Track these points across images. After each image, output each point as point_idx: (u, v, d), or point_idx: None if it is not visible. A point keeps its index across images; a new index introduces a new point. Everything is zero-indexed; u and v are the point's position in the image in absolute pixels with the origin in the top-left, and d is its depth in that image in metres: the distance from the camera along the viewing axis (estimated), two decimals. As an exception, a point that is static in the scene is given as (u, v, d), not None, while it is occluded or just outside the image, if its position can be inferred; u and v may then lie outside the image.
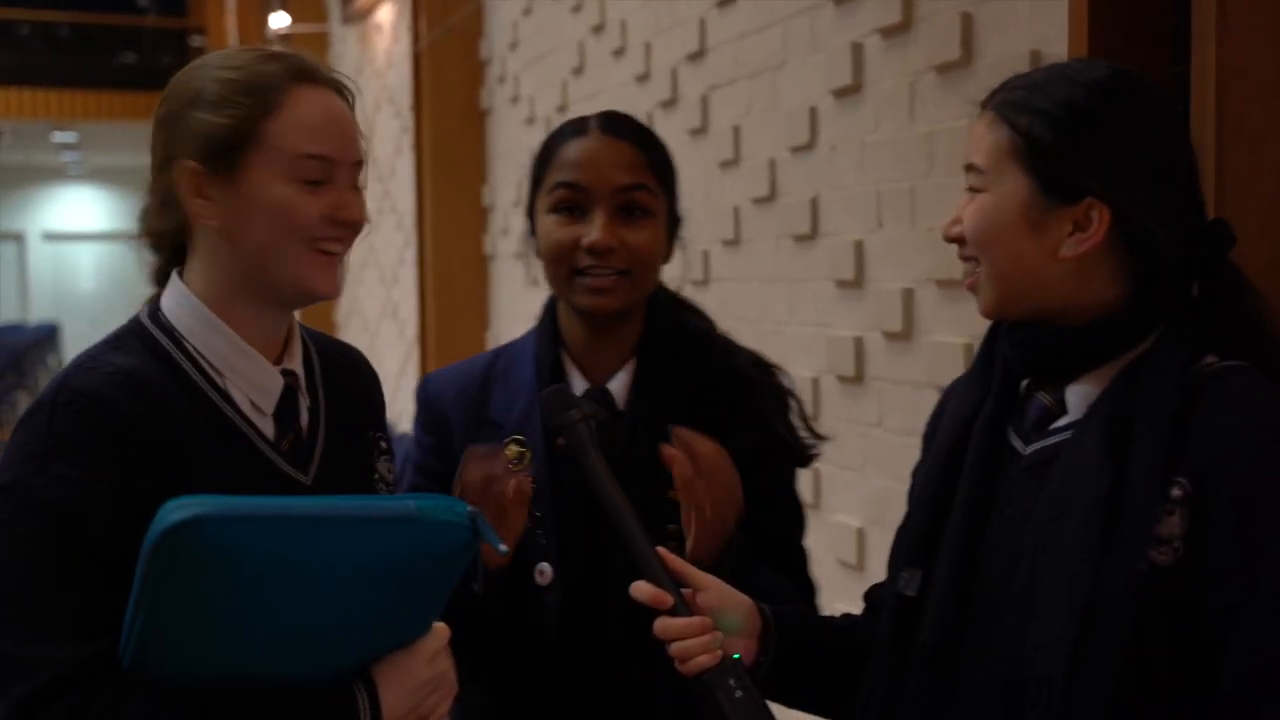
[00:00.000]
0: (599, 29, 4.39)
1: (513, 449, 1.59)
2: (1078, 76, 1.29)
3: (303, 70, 1.36)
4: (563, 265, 1.61)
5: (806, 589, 1.71)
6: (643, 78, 4.02)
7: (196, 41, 16.77)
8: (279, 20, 9.67)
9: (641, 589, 1.38)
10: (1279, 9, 1.58)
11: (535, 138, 5.09)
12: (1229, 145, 1.57)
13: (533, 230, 1.69)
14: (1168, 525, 1.20)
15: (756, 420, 1.63)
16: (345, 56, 8.69)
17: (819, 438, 1.71)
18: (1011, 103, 1.30)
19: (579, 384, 1.66)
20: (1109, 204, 1.26)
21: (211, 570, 1.13)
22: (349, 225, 1.35)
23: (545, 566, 1.61)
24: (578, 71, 4.62)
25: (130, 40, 17.10)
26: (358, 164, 1.38)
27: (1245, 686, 1.16)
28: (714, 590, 1.42)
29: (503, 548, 1.25)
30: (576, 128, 1.65)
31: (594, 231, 1.59)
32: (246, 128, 1.32)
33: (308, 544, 1.16)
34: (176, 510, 1.12)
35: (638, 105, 4.04)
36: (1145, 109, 1.28)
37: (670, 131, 3.60)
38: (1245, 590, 1.17)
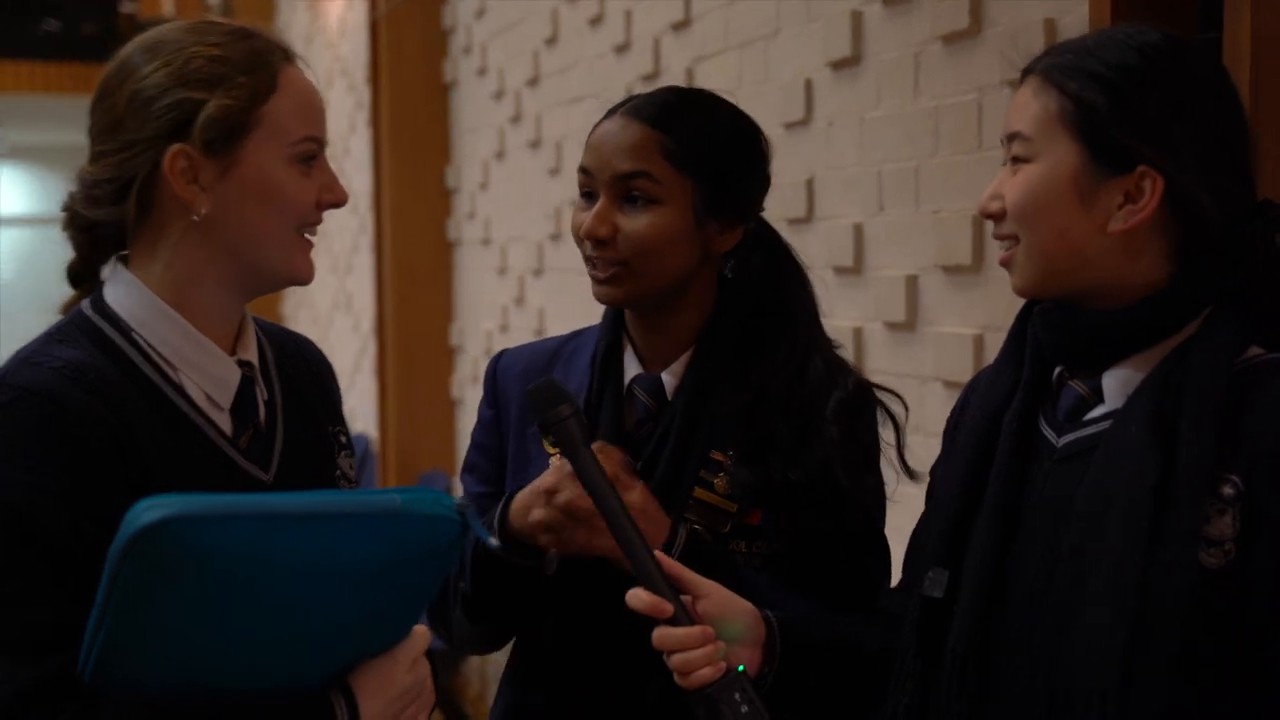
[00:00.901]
0: (574, -5, 4.39)
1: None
2: (1130, 40, 1.31)
3: (287, 49, 1.41)
4: (582, 252, 1.66)
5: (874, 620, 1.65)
6: (622, 48, 4.03)
7: (127, 8, 16.60)
8: (221, -15, 9.62)
9: (639, 597, 1.38)
10: (1318, -27, 1.60)
11: (504, 113, 5.10)
12: (1265, 118, 1.59)
13: None
14: (1218, 526, 1.21)
15: (815, 464, 1.60)
16: (294, 25, 8.66)
17: (908, 471, 1.67)
18: (1061, 67, 1.31)
19: (632, 370, 1.69)
20: (1162, 172, 1.27)
21: (186, 574, 1.13)
22: (336, 206, 1.41)
23: (553, 555, 1.62)
24: (550, 41, 4.62)
25: (52, 6, 16.95)
26: (326, 143, 1.45)
27: None
28: (715, 596, 1.43)
29: (493, 541, 1.26)
30: (615, 107, 1.68)
31: (588, 217, 1.63)
32: (247, 108, 1.35)
33: (289, 543, 1.17)
34: (149, 510, 1.12)
35: (616, 79, 4.05)
36: (1202, 75, 1.30)
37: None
38: None
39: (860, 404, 1.65)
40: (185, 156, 1.34)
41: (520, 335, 5.03)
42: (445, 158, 5.90)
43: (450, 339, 5.90)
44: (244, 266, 1.38)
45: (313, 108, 1.41)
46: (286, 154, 1.37)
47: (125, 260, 1.41)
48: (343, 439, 1.55)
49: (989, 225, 1.39)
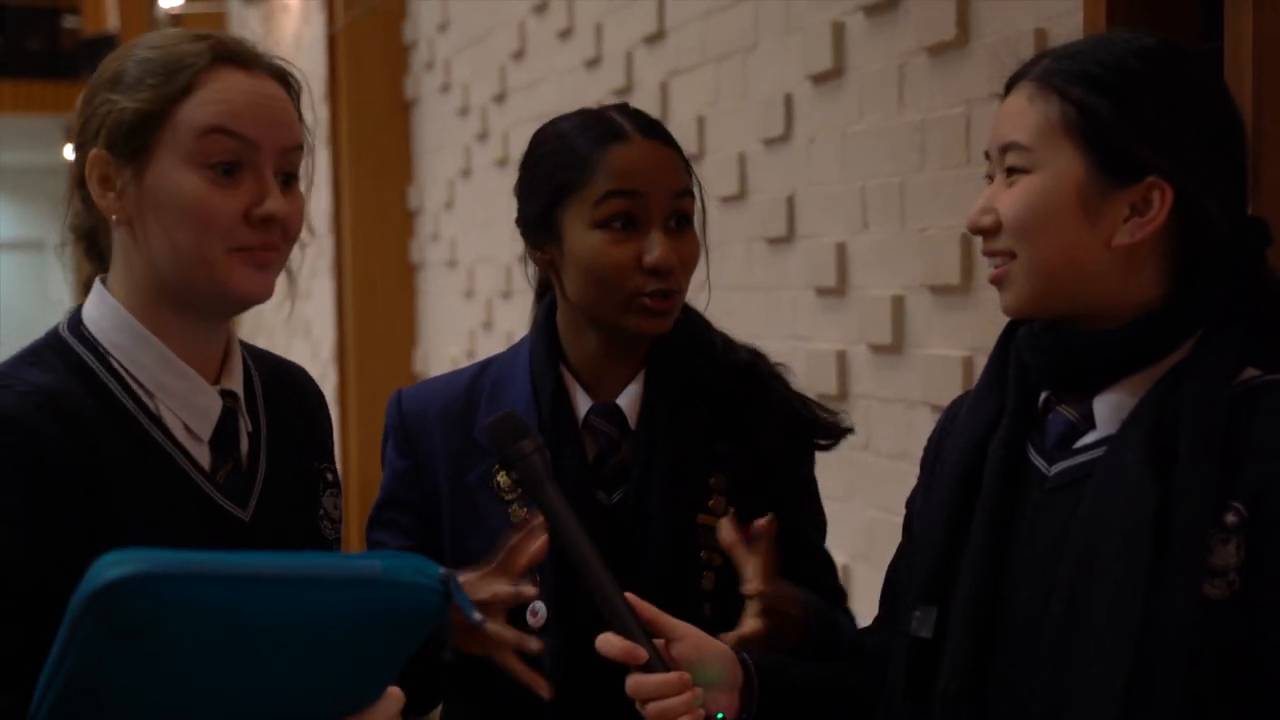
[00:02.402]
0: (542, 8, 4.39)
1: (504, 477, 1.60)
2: (1128, 44, 1.30)
3: (228, 50, 1.35)
4: (620, 288, 1.60)
5: (840, 600, 1.74)
6: (593, 63, 4.03)
7: (70, 22, 16.57)
8: None
9: (611, 644, 1.36)
10: (1323, -25, 1.61)
11: (469, 131, 5.09)
12: (1269, 128, 1.59)
13: (540, 244, 1.68)
14: (1222, 555, 1.19)
15: (777, 409, 1.68)
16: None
17: (834, 415, 1.75)
18: (1059, 72, 1.29)
19: (584, 402, 1.66)
20: (1172, 182, 1.26)
21: (150, 633, 1.11)
22: (269, 221, 1.33)
23: (539, 606, 1.59)
24: (518, 56, 4.62)
25: (-6, 23, 16.88)
26: (290, 151, 1.37)
27: None
28: (690, 639, 1.41)
29: (477, 616, 1.24)
30: (611, 130, 1.64)
31: (655, 248, 1.59)
32: (155, 110, 1.32)
33: (259, 605, 1.14)
34: (115, 565, 1.10)
35: (587, 94, 4.04)
36: (1203, 81, 1.30)
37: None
38: None
39: (758, 365, 1.74)
40: (100, 162, 1.33)
41: (487, 361, 5.01)
42: (407, 177, 5.89)
43: (414, 365, 5.88)
44: (177, 284, 1.34)
45: (238, 106, 1.32)
46: (191, 155, 1.31)
47: (105, 278, 1.39)
48: (329, 476, 1.52)
49: (978, 243, 1.37)
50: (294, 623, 1.15)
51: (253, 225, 1.33)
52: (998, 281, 1.33)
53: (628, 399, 1.66)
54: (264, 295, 1.37)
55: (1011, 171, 1.31)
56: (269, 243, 1.34)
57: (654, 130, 1.66)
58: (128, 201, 1.33)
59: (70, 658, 1.12)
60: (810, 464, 1.75)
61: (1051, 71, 1.30)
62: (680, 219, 1.63)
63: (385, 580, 1.17)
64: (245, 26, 8.81)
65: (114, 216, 1.33)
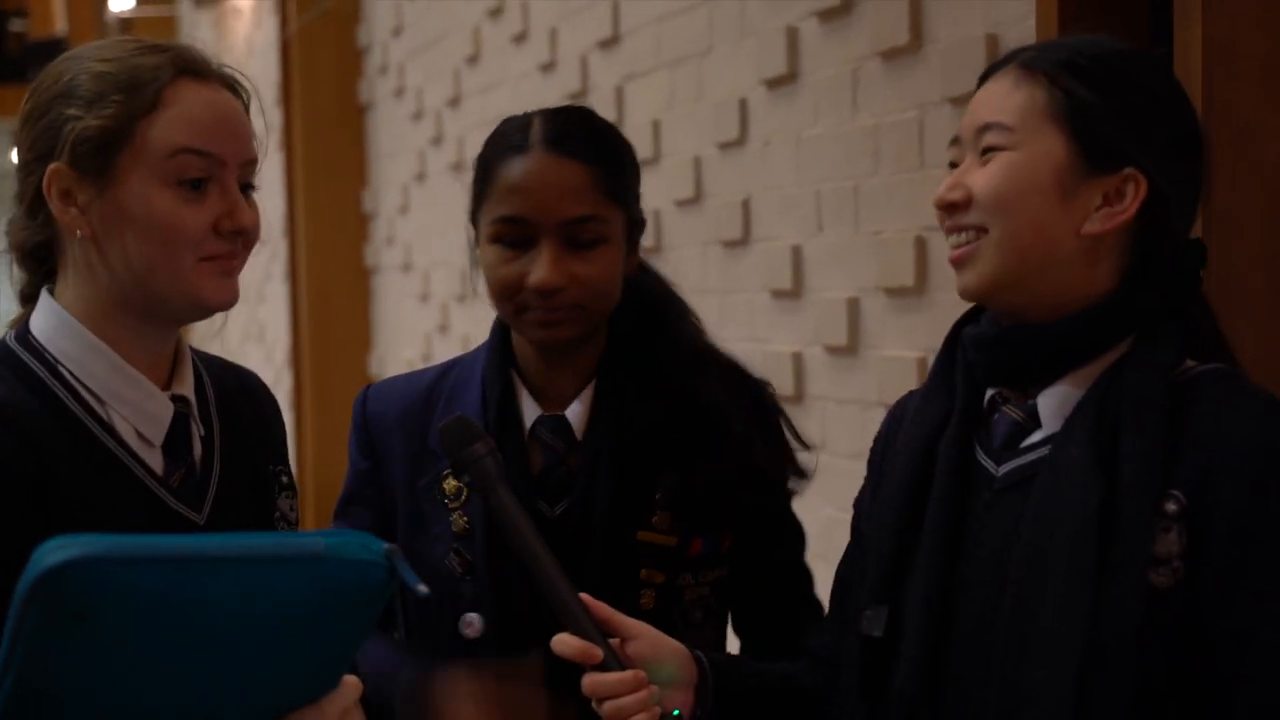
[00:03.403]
0: (496, 12, 4.39)
1: (451, 483, 1.60)
2: (1107, 43, 1.32)
3: (188, 63, 1.35)
4: (509, 302, 1.60)
5: (817, 613, 1.72)
6: (547, 67, 4.03)
7: (17, 25, 16.37)
8: (120, 3, 9.51)
9: (567, 643, 1.36)
10: (1269, -18, 1.63)
11: (424, 135, 5.08)
12: (1217, 133, 1.61)
13: (477, 242, 1.67)
14: (1165, 543, 1.21)
15: (732, 449, 1.63)
16: (198, 45, 8.57)
17: (805, 446, 1.73)
18: (1046, 60, 1.31)
19: (532, 412, 1.65)
20: (1148, 176, 1.28)
21: (95, 620, 1.10)
22: (240, 233, 1.35)
23: (474, 618, 1.59)
24: (472, 60, 4.61)
25: (-66, 23, 16.66)
26: (249, 163, 1.39)
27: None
28: (646, 638, 1.41)
29: (421, 588, 1.23)
30: (518, 141, 1.60)
31: (539, 269, 1.56)
32: (121, 127, 1.31)
33: (205, 587, 1.13)
34: (55, 551, 1.09)
35: (542, 98, 4.04)
36: (1172, 84, 1.32)
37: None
38: (1255, 614, 1.19)
39: (757, 393, 1.70)
40: (60, 176, 1.32)
41: (443, 365, 4.99)
42: (362, 181, 5.87)
43: (369, 368, 5.85)
44: (143, 296, 1.34)
45: (205, 124, 1.33)
46: (162, 173, 1.31)
47: (52, 289, 1.38)
48: (284, 479, 1.52)
49: (932, 246, 1.38)
50: (240, 603, 1.14)
51: (222, 236, 1.34)
52: (960, 261, 1.32)
53: (575, 411, 1.64)
54: (232, 301, 1.38)
55: (988, 150, 1.31)
56: (234, 251, 1.36)
57: (560, 143, 1.59)
58: (92, 216, 1.32)
59: (19, 651, 1.11)
60: (769, 496, 1.69)
61: (1037, 59, 1.31)
62: (580, 241, 1.57)
63: (329, 556, 1.16)
64: (196, 30, 8.76)
65: (79, 232, 1.32)
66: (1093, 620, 1.20)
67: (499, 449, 1.56)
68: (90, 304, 1.35)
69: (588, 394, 1.64)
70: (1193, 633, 1.21)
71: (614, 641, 1.38)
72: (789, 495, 1.73)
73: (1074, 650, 1.20)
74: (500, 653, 1.58)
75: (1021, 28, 2.13)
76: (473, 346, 5.02)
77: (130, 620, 1.11)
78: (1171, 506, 1.21)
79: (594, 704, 1.36)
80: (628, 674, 1.35)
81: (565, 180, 1.57)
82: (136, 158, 1.31)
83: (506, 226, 1.58)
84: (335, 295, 5.84)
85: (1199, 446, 1.22)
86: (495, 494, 1.40)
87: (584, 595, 1.38)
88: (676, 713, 1.38)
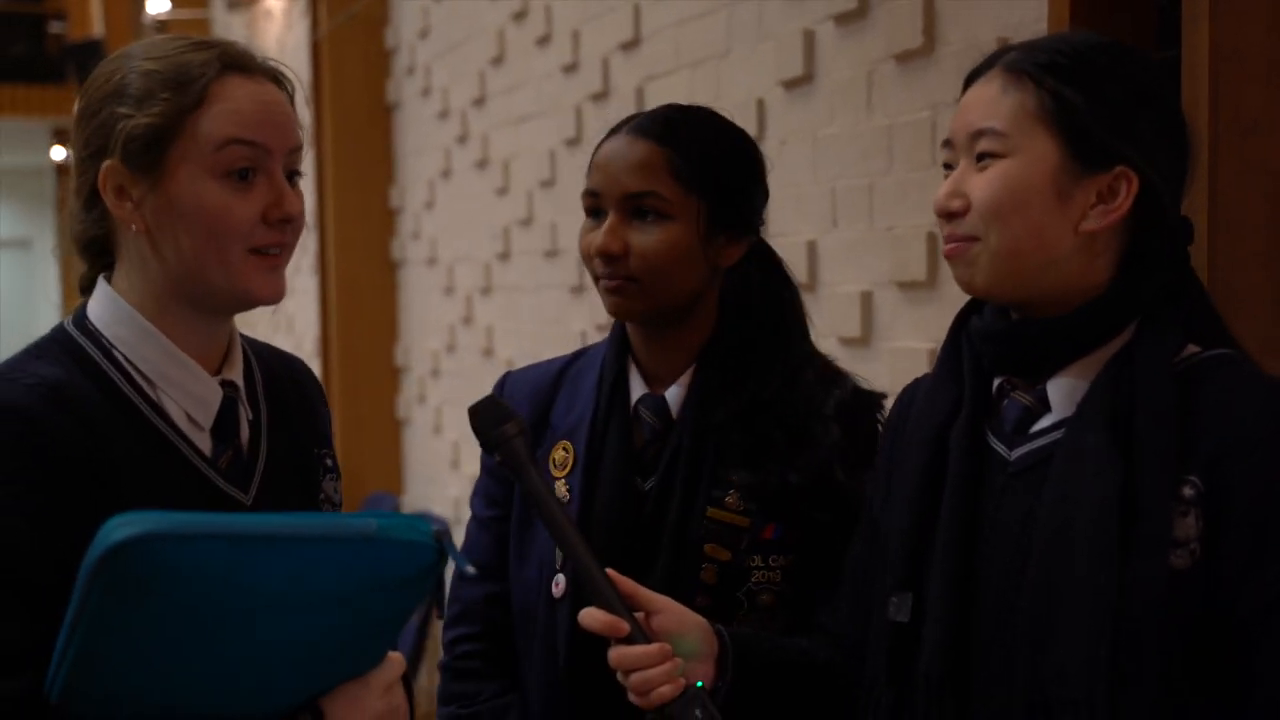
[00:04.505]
0: (520, 15, 4.39)
1: (560, 453, 1.66)
2: (1085, 40, 1.32)
3: (233, 58, 1.36)
4: (589, 268, 1.67)
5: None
6: (570, 68, 4.03)
7: (56, 28, 16.40)
8: (156, 5, 9.53)
9: (595, 617, 1.37)
10: (1275, -12, 1.64)
11: (449, 133, 5.08)
12: (1223, 132, 1.61)
13: None
14: (1182, 526, 1.21)
15: (810, 458, 1.63)
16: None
17: None
18: (1030, 62, 1.30)
19: (638, 390, 1.69)
20: (1139, 172, 1.28)
21: (157, 593, 1.11)
22: (287, 221, 1.36)
23: (560, 578, 1.63)
24: (497, 61, 4.61)
25: (-20, 29, 16.70)
26: (295, 150, 1.39)
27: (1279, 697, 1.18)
28: (670, 613, 1.41)
29: (469, 569, 1.25)
30: (616, 128, 1.69)
31: (599, 235, 1.64)
32: (170, 124, 1.32)
33: (261, 564, 1.15)
34: (121, 527, 1.10)
35: (565, 98, 4.05)
36: (1156, 76, 1.32)
37: (602, 128, 3.60)
38: (1272, 594, 1.18)
39: (859, 407, 1.68)
40: (115, 173, 1.33)
41: (468, 354, 5.00)
42: (389, 178, 5.88)
43: (395, 359, 5.87)
44: (195, 287, 1.35)
45: (251, 115, 1.34)
46: (211, 164, 1.32)
47: (110, 275, 1.39)
48: (328, 462, 1.53)
49: (943, 240, 1.37)
50: (293, 581, 1.16)
51: (270, 225, 1.35)
52: (952, 257, 1.32)
53: (674, 393, 1.68)
54: (279, 296, 1.39)
55: (983, 157, 1.30)
56: (283, 240, 1.37)
57: (643, 126, 1.65)
58: (145, 211, 1.33)
59: (82, 621, 1.12)
60: (850, 502, 1.64)
61: (1023, 61, 1.30)
62: (641, 213, 1.62)
63: (380, 538, 1.18)
64: (229, 32, 8.76)
65: (133, 226, 1.33)
66: (1119, 600, 1.20)
67: (605, 426, 1.65)
68: (145, 293, 1.36)
69: (686, 378, 1.68)
70: (1210, 613, 1.21)
71: (639, 615, 1.39)
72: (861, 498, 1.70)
73: (1103, 630, 1.20)
74: (576, 609, 1.59)
75: (1033, 31, 2.13)
76: (496, 338, 5.03)
77: (188, 594, 1.13)
78: (1188, 491, 1.21)
79: (620, 675, 1.37)
80: (653, 647, 1.36)
81: (633, 158, 1.63)
82: (186, 152, 1.32)
83: (587, 198, 1.68)
84: (363, 288, 5.85)
85: (1211, 432, 1.22)
86: (525, 473, 1.41)
87: (610, 571, 1.39)
88: (700, 685, 1.38)
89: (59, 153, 16.61)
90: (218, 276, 1.34)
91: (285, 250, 1.38)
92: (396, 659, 1.31)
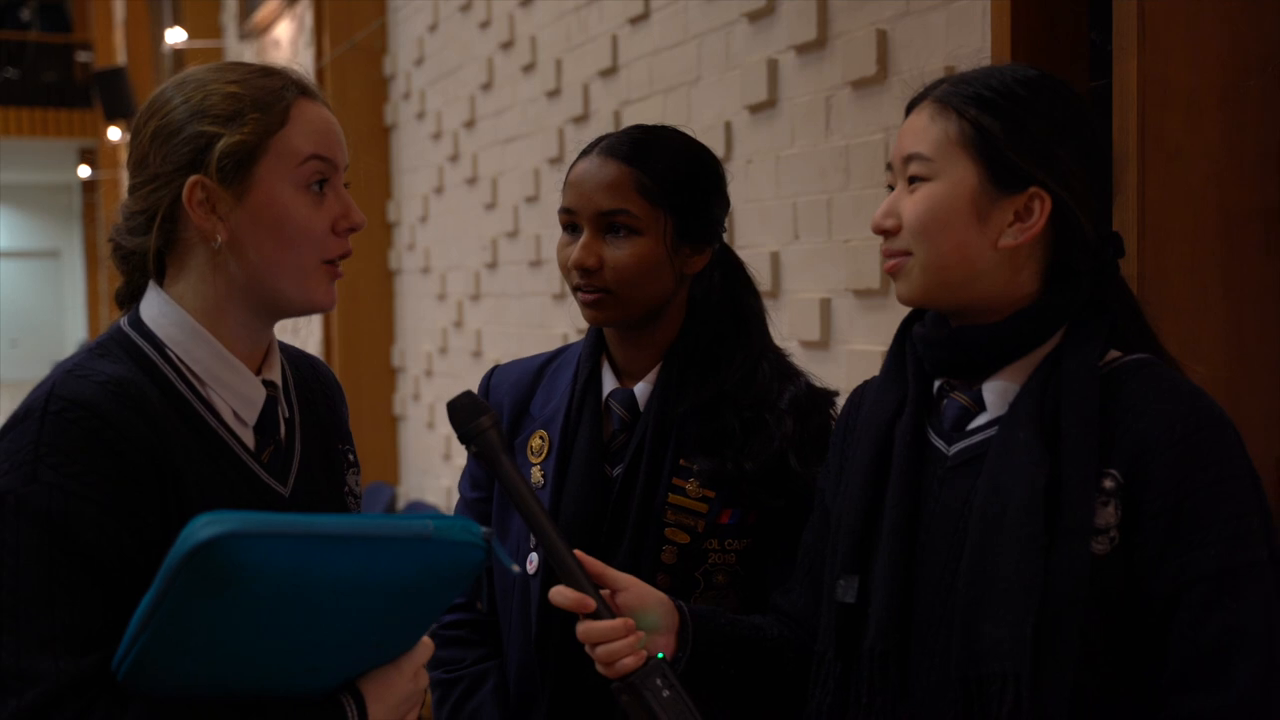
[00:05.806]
0: (508, 45, 4.38)
1: (536, 441, 1.67)
2: (1013, 73, 1.33)
3: (303, 85, 1.39)
4: (567, 280, 1.68)
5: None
6: (553, 93, 4.02)
7: (83, 57, 16.36)
8: (174, 35, 9.49)
9: (564, 594, 1.36)
10: (1195, 23, 1.64)
11: (442, 153, 5.07)
12: (1150, 156, 1.62)
13: None
14: (1103, 515, 1.23)
15: (766, 449, 1.62)
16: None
17: None
18: (957, 94, 1.32)
19: (610, 384, 1.70)
20: (1051, 193, 1.29)
21: (235, 586, 1.12)
22: (353, 230, 1.38)
23: (534, 556, 1.64)
24: (486, 87, 4.61)
25: (14, 55, 16.62)
26: (347, 168, 1.41)
27: (1193, 668, 1.19)
28: (633, 590, 1.41)
29: (515, 568, 1.23)
30: (587, 149, 1.68)
31: (576, 250, 1.64)
32: (259, 141, 1.32)
33: (329, 561, 1.15)
34: (208, 526, 1.10)
35: (548, 120, 4.04)
36: (1075, 106, 1.33)
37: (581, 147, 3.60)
38: (1185, 576, 1.20)
39: (811, 403, 1.68)
40: (202, 187, 1.32)
41: (458, 356, 4.99)
42: (386, 193, 5.86)
43: (392, 360, 5.85)
44: (264, 293, 1.35)
45: (324, 134, 1.36)
46: (295, 178, 1.33)
47: (162, 282, 1.38)
48: (350, 457, 1.53)
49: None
50: (355, 577, 1.16)
51: (338, 234, 1.36)
52: (894, 273, 1.35)
53: (642, 388, 1.69)
54: (333, 305, 1.40)
55: (913, 180, 1.32)
56: (348, 250, 1.38)
57: (614, 147, 1.65)
58: (231, 222, 1.32)
59: (162, 610, 1.12)
60: (803, 490, 1.63)
61: (950, 94, 1.32)
62: (613, 228, 1.62)
63: (437, 539, 1.19)
64: (240, 60, 8.73)
65: (218, 237, 1.33)
66: (1045, 583, 1.21)
67: (579, 418, 1.66)
68: (205, 301, 1.35)
69: (654, 374, 1.68)
70: (1128, 594, 1.22)
71: (605, 593, 1.39)
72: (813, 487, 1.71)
73: (1029, 608, 1.21)
74: (546, 586, 1.59)
75: (976, 60, 2.10)
76: (485, 340, 5.02)
77: (263, 587, 1.12)
78: (1109, 483, 1.23)
79: (587, 648, 1.37)
80: (618, 621, 1.36)
81: (604, 178, 1.63)
82: (272, 167, 1.32)
83: (563, 215, 1.67)
84: (362, 295, 5.84)
85: (1130, 429, 1.23)
86: (500, 462, 1.41)
87: (577, 551, 1.39)
88: (661, 656, 1.38)
89: (85, 170, 16.53)
90: (289, 284, 1.34)
91: (346, 257, 1.39)
92: (426, 644, 1.31)
